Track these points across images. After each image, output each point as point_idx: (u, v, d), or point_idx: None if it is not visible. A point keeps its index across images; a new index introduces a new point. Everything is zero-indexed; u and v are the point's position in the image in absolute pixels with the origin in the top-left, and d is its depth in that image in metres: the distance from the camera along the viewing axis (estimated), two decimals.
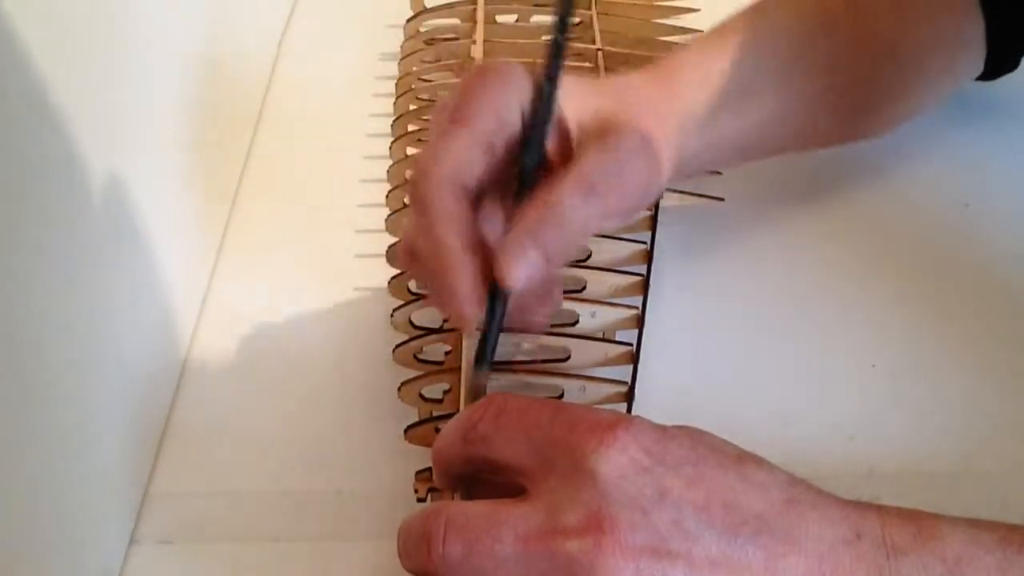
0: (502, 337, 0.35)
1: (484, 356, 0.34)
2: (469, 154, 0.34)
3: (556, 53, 0.35)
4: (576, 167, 0.34)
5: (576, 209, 0.33)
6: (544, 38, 0.57)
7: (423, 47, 0.56)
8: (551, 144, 0.35)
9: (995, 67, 0.48)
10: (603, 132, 0.35)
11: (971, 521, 0.31)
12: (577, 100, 0.36)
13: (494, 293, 0.33)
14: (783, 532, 0.30)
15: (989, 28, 0.46)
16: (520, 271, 0.33)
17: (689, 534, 0.28)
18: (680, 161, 0.40)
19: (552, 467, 0.30)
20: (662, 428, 0.31)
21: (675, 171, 0.40)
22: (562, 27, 0.35)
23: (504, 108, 0.34)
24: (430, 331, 0.42)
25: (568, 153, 0.35)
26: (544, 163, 0.35)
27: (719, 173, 0.48)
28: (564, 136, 0.35)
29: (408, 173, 0.48)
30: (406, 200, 0.45)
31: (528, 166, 0.34)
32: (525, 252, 0.33)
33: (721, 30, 0.43)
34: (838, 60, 0.44)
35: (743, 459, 0.31)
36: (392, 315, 0.42)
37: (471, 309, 0.33)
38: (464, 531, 0.29)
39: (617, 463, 0.29)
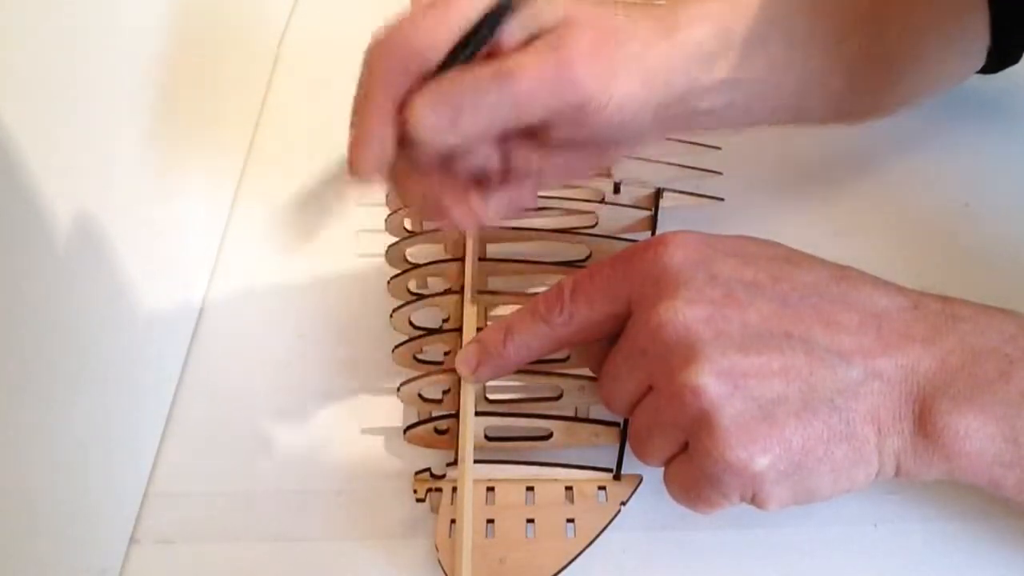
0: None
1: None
2: (436, 34, 0.34)
3: None
4: (507, 54, 0.35)
5: (485, 83, 0.34)
6: None
7: None
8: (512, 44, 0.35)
9: (998, 59, 0.47)
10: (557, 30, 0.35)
11: None
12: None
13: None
14: (836, 295, 0.32)
15: (993, 19, 0.45)
16: (427, 117, 0.34)
17: (741, 302, 0.32)
18: (670, 94, 0.38)
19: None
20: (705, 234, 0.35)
21: (667, 107, 0.39)
22: None
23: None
24: (430, 331, 0.42)
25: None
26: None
27: (718, 148, 0.47)
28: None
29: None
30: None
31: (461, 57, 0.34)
32: (434, 102, 0.34)
33: None
34: (845, 24, 0.42)
35: (791, 252, 0.35)
36: (392, 315, 0.42)
37: (368, 155, 0.35)
38: None
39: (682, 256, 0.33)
